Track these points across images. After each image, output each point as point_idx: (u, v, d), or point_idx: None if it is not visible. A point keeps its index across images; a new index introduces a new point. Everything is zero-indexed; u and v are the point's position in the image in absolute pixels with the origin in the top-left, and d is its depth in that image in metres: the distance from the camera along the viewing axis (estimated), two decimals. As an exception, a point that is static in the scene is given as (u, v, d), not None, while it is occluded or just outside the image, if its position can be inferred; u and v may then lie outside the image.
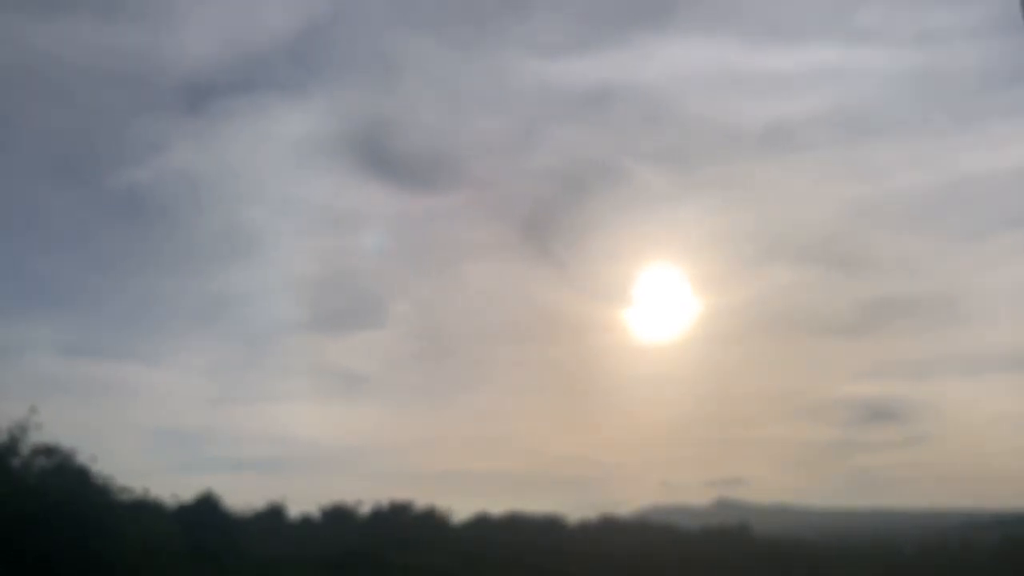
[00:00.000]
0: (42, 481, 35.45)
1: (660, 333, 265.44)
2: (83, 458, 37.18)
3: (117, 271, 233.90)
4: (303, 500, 71.79)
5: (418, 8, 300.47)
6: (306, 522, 70.11)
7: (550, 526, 79.52)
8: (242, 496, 62.68)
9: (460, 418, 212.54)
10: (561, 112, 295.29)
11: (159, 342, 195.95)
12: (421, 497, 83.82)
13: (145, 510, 42.04)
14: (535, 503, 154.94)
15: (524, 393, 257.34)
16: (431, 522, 73.37)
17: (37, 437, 35.25)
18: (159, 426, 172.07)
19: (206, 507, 54.10)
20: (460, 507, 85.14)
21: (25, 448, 35.21)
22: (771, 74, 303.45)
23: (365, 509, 72.40)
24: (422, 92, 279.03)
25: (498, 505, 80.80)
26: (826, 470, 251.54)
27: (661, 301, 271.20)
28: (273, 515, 65.80)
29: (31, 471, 35.89)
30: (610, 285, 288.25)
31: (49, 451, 36.42)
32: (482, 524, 77.07)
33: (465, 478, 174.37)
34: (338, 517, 71.01)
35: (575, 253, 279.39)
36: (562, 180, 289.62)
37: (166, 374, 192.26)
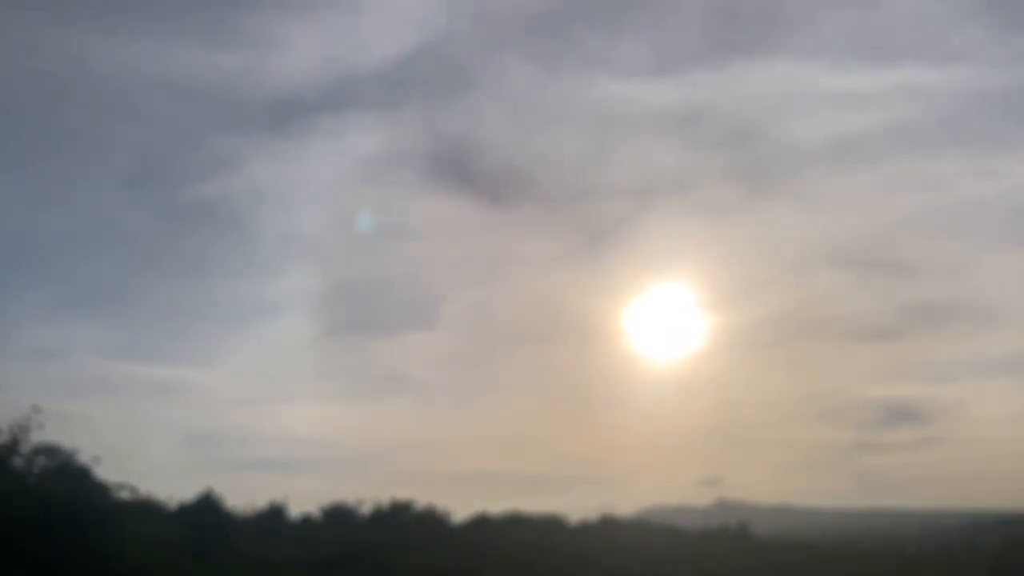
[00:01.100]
0: (43, 481, 35.50)
1: (701, 338, 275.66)
2: (84, 458, 37.30)
3: (175, 278, 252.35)
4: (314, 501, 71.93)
5: (508, 28, 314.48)
6: (306, 522, 70.14)
7: (550, 526, 79.51)
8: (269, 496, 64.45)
9: (483, 420, 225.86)
10: (639, 131, 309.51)
11: (210, 345, 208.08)
12: (438, 498, 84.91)
13: (145, 510, 42.11)
14: (550, 503, 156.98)
15: (554, 395, 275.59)
16: (431, 522, 73.39)
17: (39, 437, 35.34)
18: (196, 426, 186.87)
19: (206, 507, 54.12)
20: (475, 507, 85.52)
21: (26, 448, 35.27)
22: (852, 93, 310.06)
23: (366, 509, 72.48)
24: (504, 110, 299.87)
25: (512, 506, 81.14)
26: (834, 471, 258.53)
27: (703, 308, 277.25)
28: (273, 515, 65.84)
29: (32, 471, 35.94)
30: (657, 293, 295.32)
31: (50, 451, 36.48)
32: (482, 524, 77.07)
33: (478, 478, 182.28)
34: (338, 517, 71.04)
35: (626, 262, 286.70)
36: (629, 195, 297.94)
37: (212, 375, 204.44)
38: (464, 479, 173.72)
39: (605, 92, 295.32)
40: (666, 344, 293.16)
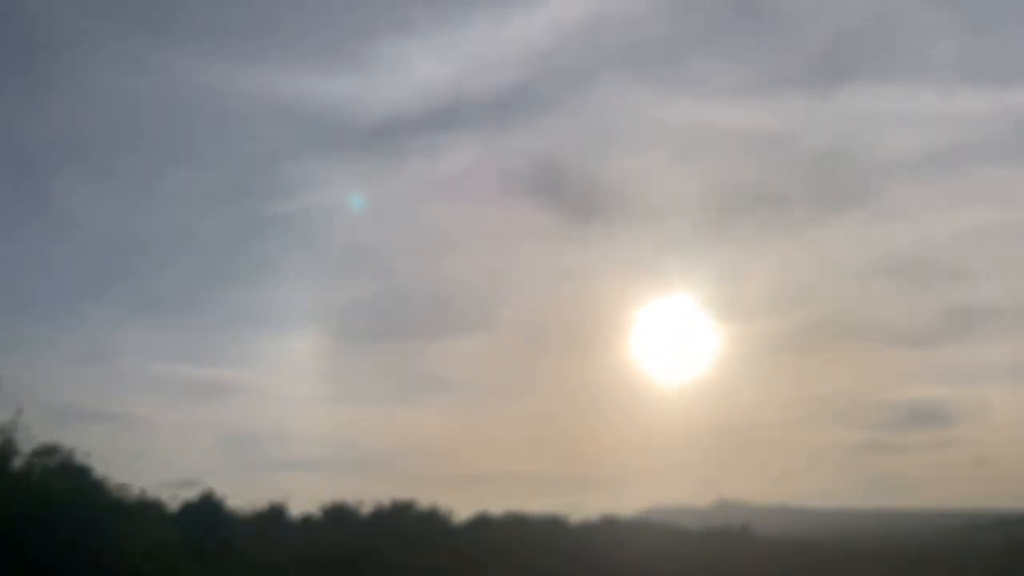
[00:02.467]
0: (43, 481, 35.49)
1: (748, 343, 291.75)
2: (83, 458, 37.31)
3: (241, 285, 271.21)
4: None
5: (614, 52, 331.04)
6: (307, 522, 70.03)
7: (551, 526, 79.44)
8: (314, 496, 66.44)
9: (507, 422, 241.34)
10: (728, 150, 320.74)
11: (265, 349, 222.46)
12: (448, 498, 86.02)
13: (146, 510, 42.08)
14: (559, 504, 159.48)
15: (577, 398, 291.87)
16: (432, 522, 73.25)
17: (25, 440, 35.22)
18: (243, 427, 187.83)
19: (207, 507, 54.08)
20: (497, 507, 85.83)
21: (21, 448, 35.26)
22: (950, 114, 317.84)
23: (366, 508, 72.32)
24: (597, 129, 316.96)
25: (537, 508, 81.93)
26: (844, 472, 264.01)
27: (753, 314, 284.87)
28: (274, 515, 65.73)
29: (32, 471, 35.93)
30: (715, 300, 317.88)
31: (50, 451, 36.47)
32: (482, 524, 76.97)
33: (490, 479, 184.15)
34: (339, 516, 70.88)
35: (678, 271, 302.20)
36: (703, 211, 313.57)
37: (264, 378, 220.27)
38: (476, 480, 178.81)
39: (697, 113, 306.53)
40: (710, 349, 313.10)
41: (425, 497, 74.60)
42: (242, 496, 56.81)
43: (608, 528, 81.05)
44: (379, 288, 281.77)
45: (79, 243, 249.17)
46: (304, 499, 67.71)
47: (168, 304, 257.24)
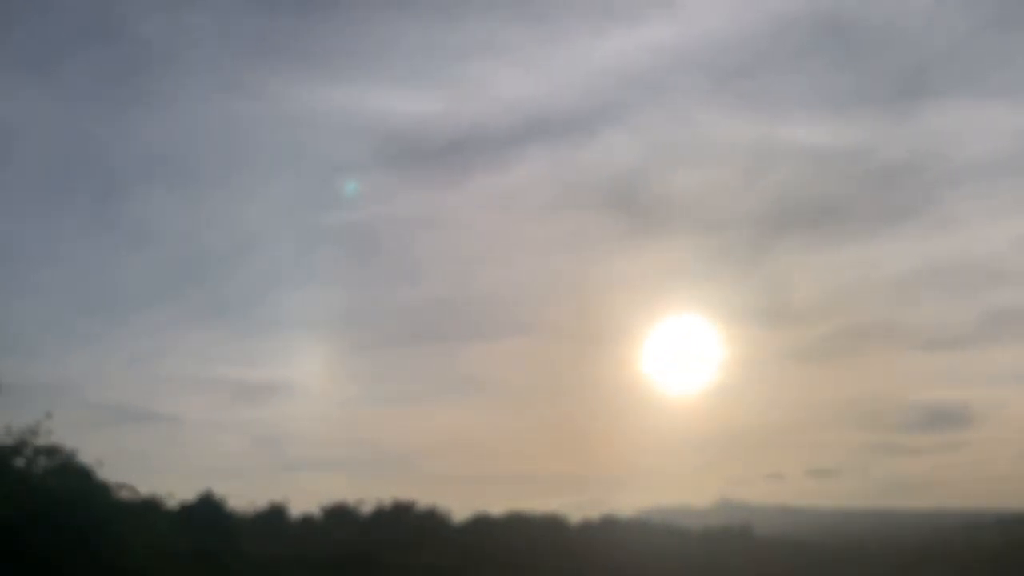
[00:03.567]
0: (45, 481, 35.58)
1: (781, 348, 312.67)
2: (85, 458, 37.37)
3: (294, 290, 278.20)
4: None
5: (694, 70, 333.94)
6: (307, 522, 70.08)
7: (551, 526, 79.47)
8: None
9: (522, 422, 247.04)
10: (798, 165, 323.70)
11: (308, 351, 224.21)
12: (461, 498, 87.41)
13: (146, 510, 42.16)
14: (566, 504, 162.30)
15: (599, 401, 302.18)
16: (432, 522, 73.28)
17: (45, 442, 35.49)
18: (280, 427, 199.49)
19: (207, 507, 54.13)
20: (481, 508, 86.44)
21: (29, 449, 35.37)
22: (1015, 128, 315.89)
23: (366, 509, 72.35)
24: (669, 143, 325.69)
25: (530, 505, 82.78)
26: (855, 472, 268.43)
27: (792, 320, 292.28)
28: (274, 515, 65.78)
29: (35, 471, 36.02)
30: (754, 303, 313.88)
31: (52, 452, 36.54)
32: (482, 524, 77.01)
33: (505, 479, 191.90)
34: (339, 517, 70.92)
35: (737, 279, 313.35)
36: (764, 225, 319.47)
37: (310, 380, 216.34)
38: (483, 480, 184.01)
39: (767, 129, 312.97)
40: (742, 355, 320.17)
41: (433, 497, 75.41)
42: (269, 495, 59.20)
43: (608, 528, 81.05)
44: (427, 294, 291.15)
45: (151, 252, 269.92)
46: (326, 498, 69.93)
47: (224, 309, 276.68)
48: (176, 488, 52.76)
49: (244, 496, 65.40)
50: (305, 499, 69.94)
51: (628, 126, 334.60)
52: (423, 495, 77.83)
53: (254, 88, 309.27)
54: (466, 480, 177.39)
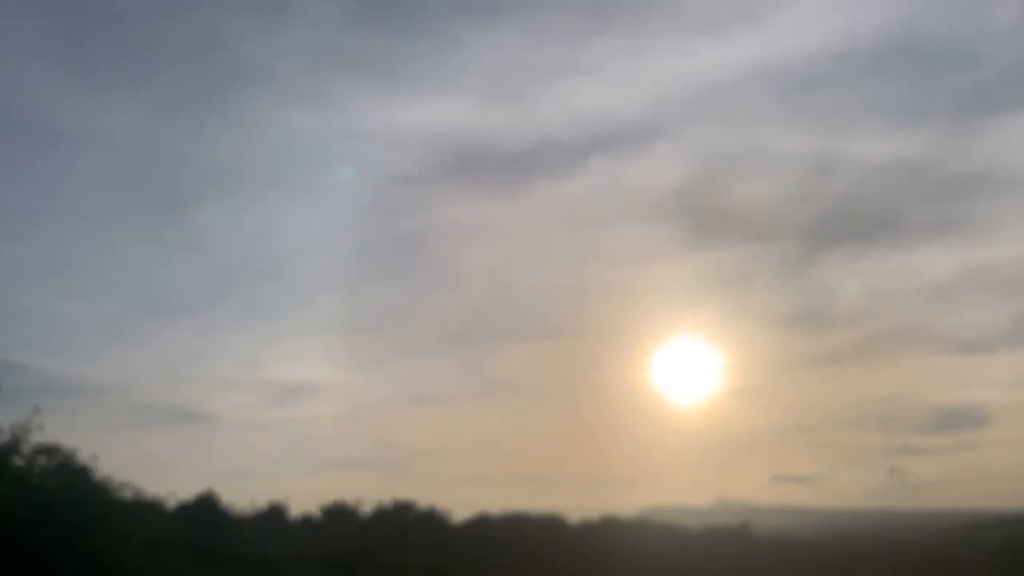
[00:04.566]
0: (43, 480, 35.49)
1: (810, 353, 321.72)
2: (84, 457, 37.25)
3: (350, 297, 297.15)
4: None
5: (764, 83, 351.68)
6: (307, 521, 70.10)
7: (550, 526, 79.44)
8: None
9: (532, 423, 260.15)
10: (857, 178, 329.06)
11: (354, 352, 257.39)
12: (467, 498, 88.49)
13: (145, 509, 42.08)
14: (570, 503, 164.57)
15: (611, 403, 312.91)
16: (432, 521, 73.29)
17: (39, 438, 35.37)
18: (310, 427, 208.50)
19: (206, 506, 54.15)
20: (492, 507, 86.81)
21: (26, 448, 35.27)
22: None
23: (366, 508, 72.36)
24: (736, 157, 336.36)
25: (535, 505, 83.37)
26: (862, 472, 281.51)
27: (824, 326, 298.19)
28: (273, 514, 65.81)
29: (33, 470, 35.93)
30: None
31: (50, 451, 36.43)
32: (482, 524, 77.00)
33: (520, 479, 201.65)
34: (339, 516, 70.95)
35: (777, 287, 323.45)
36: (813, 232, 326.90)
37: (340, 379, 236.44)
38: (488, 480, 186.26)
39: (831, 145, 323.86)
40: (771, 359, 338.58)
41: (442, 497, 75.85)
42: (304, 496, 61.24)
43: (608, 528, 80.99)
44: (468, 298, 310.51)
45: (208, 257, 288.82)
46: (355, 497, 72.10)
47: (274, 312, 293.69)
48: (217, 487, 53.64)
49: (282, 494, 66.04)
50: (331, 497, 70.90)
51: (689, 138, 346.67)
52: (435, 495, 78.55)
53: (331, 100, 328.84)
54: (466, 480, 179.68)
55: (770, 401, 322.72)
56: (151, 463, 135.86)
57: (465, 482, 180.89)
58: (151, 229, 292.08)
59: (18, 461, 35.07)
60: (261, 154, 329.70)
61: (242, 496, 69.03)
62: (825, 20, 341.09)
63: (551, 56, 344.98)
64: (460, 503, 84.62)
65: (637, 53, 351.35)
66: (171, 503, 53.93)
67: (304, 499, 68.29)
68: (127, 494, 38.82)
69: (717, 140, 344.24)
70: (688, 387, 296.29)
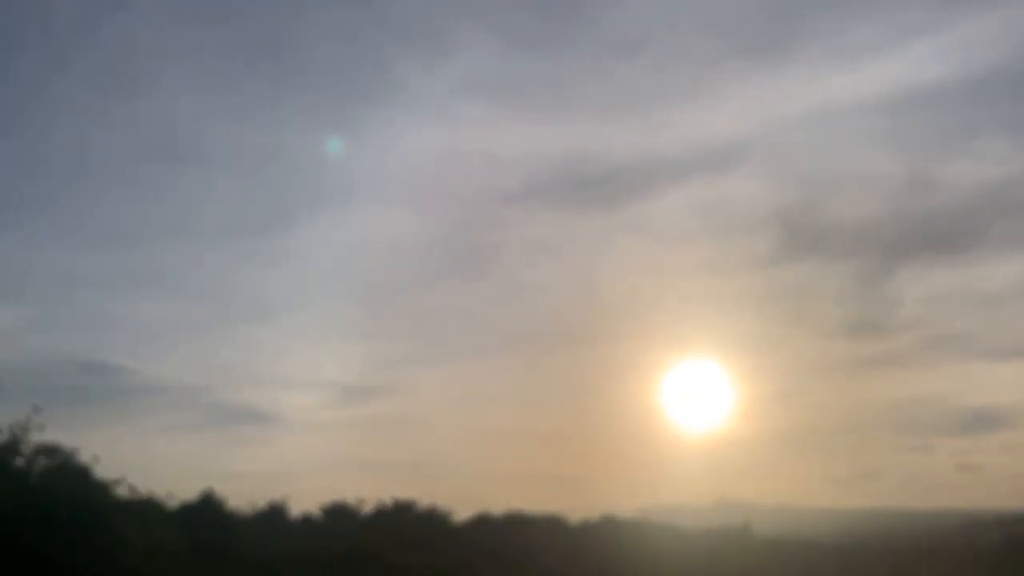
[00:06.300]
0: (44, 480, 35.52)
1: (847, 359, 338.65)
2: (84, 457, 37.30)
3: (423, 307, 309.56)
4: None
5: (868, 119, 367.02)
6: (307, 521, 70.11)
7: (551, 526, 79.44)
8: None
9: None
10: (946, 198, 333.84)
11: (414, 359, 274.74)
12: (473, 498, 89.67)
13: (146, 509, 42.09)
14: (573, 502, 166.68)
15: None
16: (432, 521, 73.28)
17: (38, 438, 35.42)
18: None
19: (207, 506, 54.16)
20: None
21: (26, 448, 35.30)
22: None
23: (367, 508, 72.34)
24: (830, 178, 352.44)
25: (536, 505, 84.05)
26: (879, 472, 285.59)
27: (871, 332, 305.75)
28: (274, 514, 65.81)
29: (33, 471, 35.96)
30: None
31: (50, 451, 36.48)
32: (482, 524, 77.00)
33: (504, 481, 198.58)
34: (339, 516, 70.95)
35: (846, 295, 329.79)
36: (895, 246, 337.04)
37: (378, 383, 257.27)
38: (487, 480, 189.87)
39: (924, 167, 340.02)
40: (813, 363, 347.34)
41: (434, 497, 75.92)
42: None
43: (608, 528, 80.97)
44: (523, 307, 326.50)
45: (307, 276, 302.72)
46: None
47: (351, 320, 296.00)
48: (280, 486, 54.87)
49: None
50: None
51: (786, 159, 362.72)
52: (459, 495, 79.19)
53: (463, 123, 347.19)
54: (468, 480, 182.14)
55: (800, 404, 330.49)
56: (215, 462, 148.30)
57: (475, 482, 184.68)
58: (244, 238, 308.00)
59: (18, 461, 35.14)
60: (381, 171, 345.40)
61: (307, 495, 71.14)
62: (923, 51, 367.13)
63: (672, 83, 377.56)
64: (467, 503, 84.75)
65: (747, 79, 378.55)
66: (171, 503, 54.02)
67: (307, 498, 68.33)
68: (127, 494, 38.89)
69: (813, 162, 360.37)
70: (721, 393, 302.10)
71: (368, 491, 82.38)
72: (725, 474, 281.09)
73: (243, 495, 72.09)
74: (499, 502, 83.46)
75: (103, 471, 37.60)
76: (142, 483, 39.79)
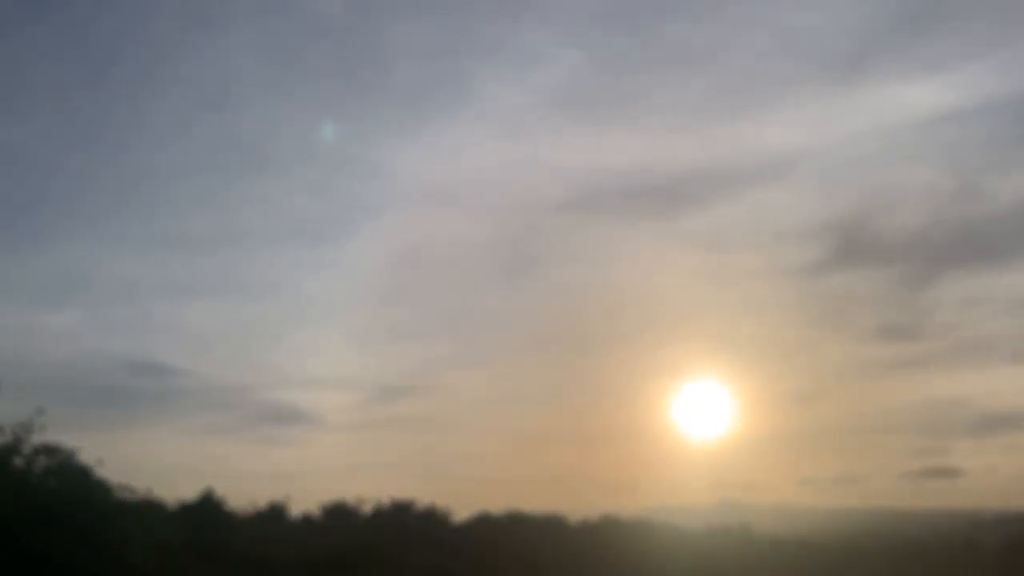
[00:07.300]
0: (44, 481, 35.53)
1: (868, 363, 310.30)
2: (85, 458, 37.31)
3: (458, 315, 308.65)
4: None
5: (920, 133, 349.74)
6: (307, 521, 70.05)
7: (551, 526, 79.39)
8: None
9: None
10: (997, 209, 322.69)
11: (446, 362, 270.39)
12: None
13: (146, 509, 42.13)
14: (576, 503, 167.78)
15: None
16: (432, 521, 73.20)
17: (40, 438, 35.44)
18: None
19: (207, 506, 54.14)
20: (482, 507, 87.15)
21: (27, 448, 35.31)
22: None
23: (366, 508, 72.25)
24: (884, 191, 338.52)
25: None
26: (881, 473, 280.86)
27: (892, 339, 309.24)
28: (274, 514, 65.75)
29: (33, 471, 35.96)
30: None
31: (50, 451, 36.49)
32: (482, 524, 76.96)
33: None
34: (339, 516, 70.87)
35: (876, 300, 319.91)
36: (933, 255, 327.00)
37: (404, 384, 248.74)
38: (490, 480, 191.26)
39: (974, 179, 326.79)
40: (838, 366, 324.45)
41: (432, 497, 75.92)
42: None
43: (608, 528, 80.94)
44: (552, 314, 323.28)
45: (360, 280, 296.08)
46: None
47: (397, 325, 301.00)
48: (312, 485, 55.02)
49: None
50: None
51: (839, 171, 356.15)
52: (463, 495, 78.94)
53: (533, 136, 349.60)
54: (468, 480, 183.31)
55: (818, 406, 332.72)
56: (262, 461, 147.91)
57: (481, 483, 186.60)
58: (317, 248, 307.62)
59: (18, 461, 35.14)
60: (441, 179, 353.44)
61: (367, 495, 72.16)
62: (984, 67, 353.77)
63: (736, 97, 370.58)
64: (467, 504, 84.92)
65: (812, 94, 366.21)
66: (172, 503, 54.04)
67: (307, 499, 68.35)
68: (127, 494, 38.92)
69: (865, 174, 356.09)
70: (744, 395, 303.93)
71: (397, 490, 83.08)
72: (740, 475, 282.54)
73: (298, 496, 73.57)
74: (503, 503, 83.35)
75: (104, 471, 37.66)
76: (182, 482, 40.14)
